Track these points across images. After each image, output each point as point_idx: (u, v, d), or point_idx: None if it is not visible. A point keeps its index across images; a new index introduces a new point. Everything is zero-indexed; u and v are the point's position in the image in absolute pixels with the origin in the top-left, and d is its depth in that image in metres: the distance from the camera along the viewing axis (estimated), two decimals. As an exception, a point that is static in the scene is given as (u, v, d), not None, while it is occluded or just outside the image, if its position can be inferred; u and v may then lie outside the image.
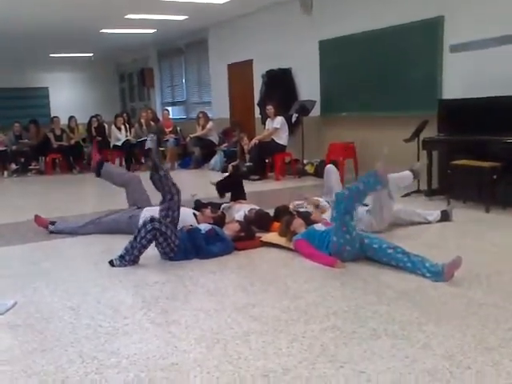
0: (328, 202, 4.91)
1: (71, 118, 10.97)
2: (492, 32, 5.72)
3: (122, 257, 3.75)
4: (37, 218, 5.00)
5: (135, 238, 3.70)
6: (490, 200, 5.10)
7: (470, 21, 5.96)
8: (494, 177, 5.03)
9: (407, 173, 4.74)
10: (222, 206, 4.96)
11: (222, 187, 5.70)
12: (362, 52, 7.43)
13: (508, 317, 2.62)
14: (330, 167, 5.25)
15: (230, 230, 4.15)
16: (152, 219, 3.69)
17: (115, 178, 5.09)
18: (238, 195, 5.30)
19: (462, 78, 6.11)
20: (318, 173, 7.96)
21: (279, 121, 8.22)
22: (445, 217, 4.74)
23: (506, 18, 5.58)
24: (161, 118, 11.56)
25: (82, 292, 3.25)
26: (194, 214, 4.54)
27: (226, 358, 2.28)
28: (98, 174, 5.05)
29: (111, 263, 3.75)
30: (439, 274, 3.15)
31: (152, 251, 3.86)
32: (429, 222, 4.68)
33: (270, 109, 8.36)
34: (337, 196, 3.63)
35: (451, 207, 4.90)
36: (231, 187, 5.57)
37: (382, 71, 7.16)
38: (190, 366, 2.23)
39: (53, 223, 4.93)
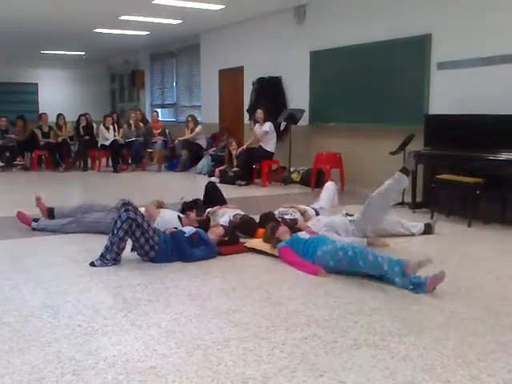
0: (315, 210, 4.93)
1: (60, 115, 10.87)
2: (478, 52, 5.83)
3: (102, 256, 3.72)
4: (20, 215, 4.93)
5: (112, 231, 3.68)
6: (473, 215, 5.16)
7: (457, 40, 6.07)
8: (477, 192, 5.10)
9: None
10: (208, 210, 4.94)
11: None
12: (352, 64, 7.50)
13: (487, 330, 2.65)
14: (330, 184, 5.40)
15: (214, 233, 4.14)
16: (126, 209, 3.64)
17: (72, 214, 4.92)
18: (217, 201, 5.26)
19: (449, 95, 6.20)
20: (304, 181, 8.01)
21: (268, 125, 8.25)
22: (428, 230, 4.78)
23: (492, 39, 5.69)
24: (150, 120, 11.53)
25: (62, 291, 3.21)
26: (179, 217, 4.52)
27: (206, 364, 2.26)
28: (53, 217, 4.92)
29: (92, 264, 3.71)
30: (421, 286, 3.17)
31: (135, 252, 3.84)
32: (412, 234, 4.72)
33: (259, 113, 8.37)
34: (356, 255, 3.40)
35: (435, 220, 4.94)
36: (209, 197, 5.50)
37: (370, 84, 7.23)
38: (169, 370, 2.20)
39: (36, 220, 4.88)
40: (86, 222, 4.73)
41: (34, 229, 4.82)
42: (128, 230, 3.64)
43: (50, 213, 5.00)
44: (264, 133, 8.24)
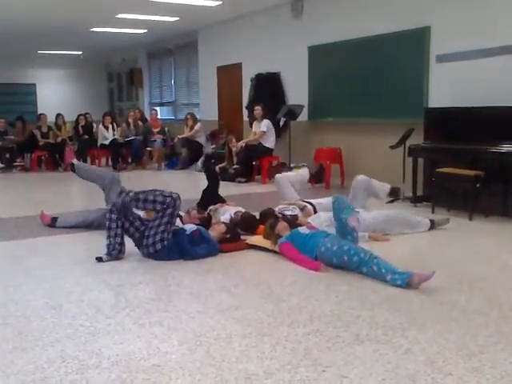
0: (313, 206, 4.93)
1: (58, 115, 10.87)
2: (477, 44, 5.81)
3: (108, 252, 3.81)
4: (42, 215, 5.04)
5: (107, 227, 3.80)
6: (474, 208, 5.15)
7: (456, 32, 6.05)
8: (478, 185, 5.09)
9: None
10: (209, 208, 4.95)
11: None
12: (351, 59, 7.49)
13: (489, 323, 2.65)
14: (276, 178, 5.55)
15: (215, 231, 4.15)
16: (113, 203, 3.83)
17: (94, 178, 5.07)
18: (212, 198, 5.29)
19: (448, 88, 6.19)
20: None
21: (266, 124, 8.24)
22: (433, 226, 4.72)
23: (492, 31, 5.68)
24: (148, 118, 11.52)
25: (64, 291, 3.22)
26: (179, 215, 4.52)
27: (209, 361, 2.27)
28: (73, 170, 5.10)
29: (99, 259, 3.78)
30: (403, 278, 3.15)
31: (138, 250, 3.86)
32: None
33: (257, 109, 8.37)
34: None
35: (438, 222, 4.80)
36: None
37: (369, 78, 7.22)
38: (172, 367, 2.21)
39: (55, 219, 4.98)
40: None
41: (52, 226, 4.91)
42: (116, 216, 3.73)
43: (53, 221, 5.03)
44: (261, 133, 8.25)
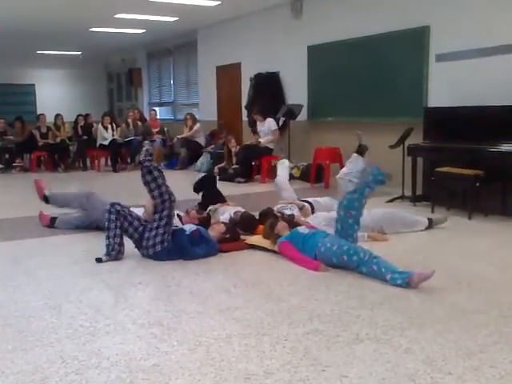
0: (310, 204, 4.94)
1: (58, 115, 10.87)
2: (477, 43, 5.81)
3: (107, 252, 3.81)
4: (40, 215, 5.03)
5: (106, 228, 3.80)
6: (473, 207, 5.16)
7: (456, 31, 6.05)
8: (477, 184, 5.09)
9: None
10: (209, 207, 4.94)
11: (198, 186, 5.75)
12: (350, 58, 7.49)
13: (488, 322, 2.65)
14: (276, 181, 5.51)
15: (215, 230, 4.15)
16: (112, 204, 3.83)
17: (69, 201, 5.00)
18: (213, 197, 5.27)
19: (448, 87, 6.19)
20: (304, 176, 8.01)
21: (273, 122, 8.27)
22: (431, 225, 4.72)
23: (491, 30, 5.68)
24: (148, 119, 11.52)
25: (63, 291, 3.22)
26: (178, 216, 4.52)
27: (208, 361, 2.27)
28: (47, 202, 5.03)
29: (99, 260, 3.78)
30: (403, 278, 3.15)
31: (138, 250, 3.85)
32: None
33: (255, 116, 8.48)
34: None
35: (436, 221, 4.82)
36: (205, 186, 5.59)
37: (368, 78, 7.22)
38: (172, 367, 2.21)
39: (54, 219, 4.97)
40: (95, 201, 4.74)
41: (51, 226, 4.90)
42: (115, 217, 3.74)
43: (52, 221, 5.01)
44: (275, 131, 8.26)
